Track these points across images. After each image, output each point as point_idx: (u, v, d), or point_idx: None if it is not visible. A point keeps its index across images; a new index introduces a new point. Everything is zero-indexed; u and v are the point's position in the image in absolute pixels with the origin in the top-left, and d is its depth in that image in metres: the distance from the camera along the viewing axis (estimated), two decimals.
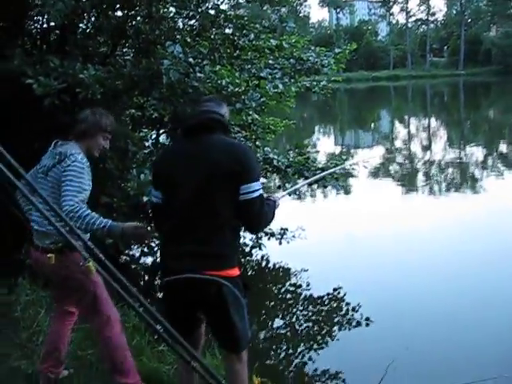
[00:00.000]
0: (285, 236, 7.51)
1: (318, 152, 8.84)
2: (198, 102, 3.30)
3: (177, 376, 3.63)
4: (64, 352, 3.86)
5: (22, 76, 4.67)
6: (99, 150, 3.68)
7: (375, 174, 15.61)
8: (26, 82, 4.54)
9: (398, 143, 23.45)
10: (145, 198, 4.81)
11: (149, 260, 7.31)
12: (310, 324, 6.42)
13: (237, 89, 5.31)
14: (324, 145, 21.65)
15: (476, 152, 18.92)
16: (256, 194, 2.87)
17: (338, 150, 20.83)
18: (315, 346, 5.74)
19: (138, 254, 7.27)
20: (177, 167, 2.96)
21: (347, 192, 12.48)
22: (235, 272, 2.97)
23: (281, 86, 5.85)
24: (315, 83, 7.15)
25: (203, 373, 2.34)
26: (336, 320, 6.48)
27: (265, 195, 3.07)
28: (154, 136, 7.38)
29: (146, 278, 7.40)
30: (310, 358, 5.47)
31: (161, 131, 7.42)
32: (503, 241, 8.48)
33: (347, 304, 6.76)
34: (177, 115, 4.37)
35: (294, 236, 7.41)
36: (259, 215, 2.95)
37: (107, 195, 5.25)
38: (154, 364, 4.27)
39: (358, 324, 6.24)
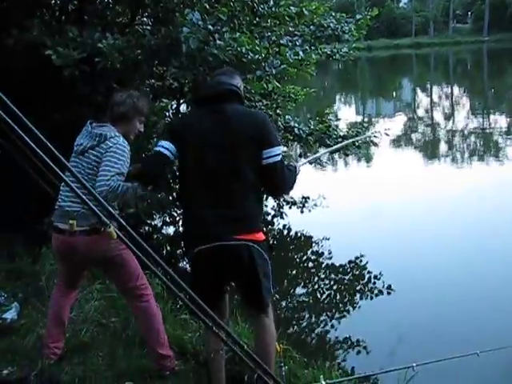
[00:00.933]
0: (306, 204, 7.48)
1: (339, 120, 8.72)
2: (212, 75, 3.41)
3: (205, 343, 3.68)
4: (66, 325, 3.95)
5: (41, 47, 4.65)
6: (135, 134, 3.66)
7: (397, 142, 15.47)
8: (45, 52, 4.52)
9: (420, 112, 23.14)
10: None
11: (170, 230, 7.35)
12: (332, 292, 6.45)
13: (257, 56, 5.23)
14: (345, 114, 21.43)
15: (500, 120, 18.58)
16: (278, 158, 3.01)
17: (359, 118, 20.63)
18: (337, 315, 5.77)
19: (159, 224, 7.32)
20: (200, 134, 3.05)
21: (369, 161, 12.42)
22: (262, 236, 3.10)
23: (301, 53, 5.75)
24: (336, 50, 7.04)
25: (226, 339, 2.35)
26: (358, 288, 6.50)
27: (285, 162, 3.19)
28: (174, 106, 7.35)
29: (168, 248, 7.46)
30: (332, 326, 5.51)
31: (181, 101, 7.39)
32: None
33: (369, 272, 6.77)
34: (198, 86, 4.29)
35: (315, 204, 7.39)
36: (282, 178, 3.08)
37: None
38: (177, 331, 4.32)
39: (380, 293, 6.26)
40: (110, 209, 2.38)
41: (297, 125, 6.72)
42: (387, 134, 6.98)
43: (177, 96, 7.27)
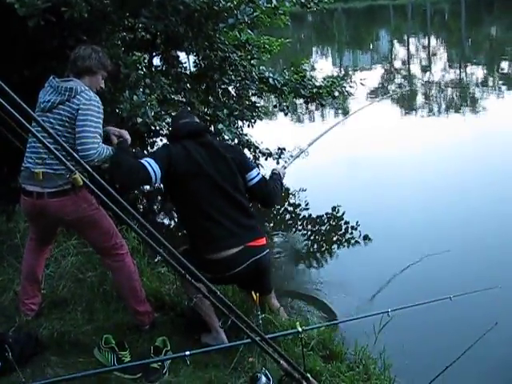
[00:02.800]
0: (282, 156, 7.42)
1: (315, 71, 8.62)
2: (177, 116, 4.00)
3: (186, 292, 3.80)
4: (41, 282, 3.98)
5: None
6: (96, 90, 3.61)
7: (374, 95, 15.40)
8: (6, 1, 4.34)
9: (397, 64, 23.00)
10: (139, 120, 4.72)
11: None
12: (309, 243, 6.49)
13: (228, 4, 5.12)
14: (322, 65, 21.20)
15: (476, 71, 18.55)
16: (258, 178, 3.69)
17: (335, 70, 20.47)
18: (314, 264, 5.82)
19: None
20: (201, 163, 3.49)
21: (346, 112, 12.35)
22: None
23: (274, 1, 5.65)
24: None
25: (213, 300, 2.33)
26: (335, 239, 6.55)
27: (270, 170, 4.02)
28: (146, 59, 7.20)
29: (144, 202, 7.41)
30: (309, 276, 5.57)
31: (153, 54, 7.23)
32: (503, 161, 8.43)
33: (346, 223, 6.80)
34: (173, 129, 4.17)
35: (291, 156, 7.33)
36: (268, 193, 3.78)
37: (104, 121, 5.16)
38: (155, 284, 4.32)
39: (357, 242, 6.31)
40: (81, 160, 2.33)
41: (271, 75, 6.62)
42: (363, 84, 6.94)
43: (149, 48, 7.11)
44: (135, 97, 4.76)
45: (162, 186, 3.73)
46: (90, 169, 2.35)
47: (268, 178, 3.99)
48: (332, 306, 4.73)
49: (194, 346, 3.63)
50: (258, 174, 3.71)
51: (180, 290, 4.18)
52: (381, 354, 3.57)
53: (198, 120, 3.89)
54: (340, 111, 12.89)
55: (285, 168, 4.29)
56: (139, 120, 4.71)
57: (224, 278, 3.65)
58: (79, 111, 3.34)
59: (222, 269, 3.54)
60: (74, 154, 2.34)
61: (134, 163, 3.46)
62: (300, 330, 2.93)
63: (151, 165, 3.41)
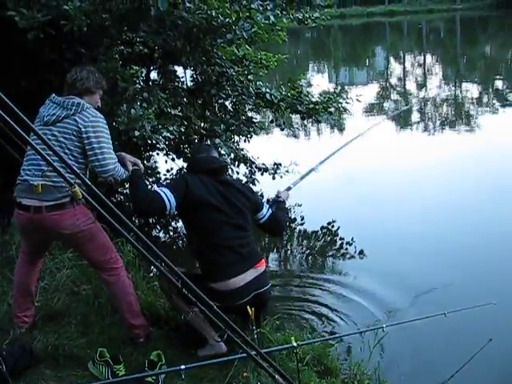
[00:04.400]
0: (278, 171, 7.42)
1: (311, 87, 8.65)
2: (200, 148, 4.15)
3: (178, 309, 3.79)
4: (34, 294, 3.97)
5: (1, 9, 4.50)
6: (95, 107, 3.69)
7: (370, 111, 15.49)
8: (6, 14, 4.38)
9: (393, 80, 23.16)
10: (136, 133, 4.73)
11: None
12: (304, 258, 6.49)
13: (227, 19, 5.16)
14: (318, 81, 21.34)
15: (471, 89, 18.69)
16: (268, 214, 3.97)
17: (332, 86, 20.55)
18: (309, 280, 5.78)
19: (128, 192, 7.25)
20: (219, 199, 3.67)
21: (342, 128, 12.41)
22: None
23: (272, 17, 5.69)
24: (308, 15, 6.94)
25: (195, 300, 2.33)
26: (330, 254, 6.54)
27: (273, 196, 4.34)
28: (144, 73, 7.23)
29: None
30: (304, 292, 5.53)
31: (151, 68, 7.27)
32: (497, 177, 8.46)
33: (341, 239, 6.81)
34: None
35: (287, 171, 7.33)
36: (277, 225, 4.08)
37: None
38: (150, 298, 4.32)
39: (352, 257, 6.31)
40: (78, 171, 2.35)
41: (268, 91, 6.65)
42: (359, 100, 6.98)
43: (146, 62, 7.15)
44: (133, 110, 4.78)
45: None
46: (88, 181, 2.38)
47: (274, 207, 4.15)
48: (328, 322, 4.72)
49: (189, 360, 3.65)
50: (268, 210, 3.98)
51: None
52: (375, 370, 3.56)
53: (216, 154, 4.01)
54: (336, 127, 12.95)
55: (290, 189, 4.50)
56: (137, 133, 4.73)
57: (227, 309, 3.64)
58: (88, 128, 3.45)
59: (227, 299, 3.56)
60: (71, 165, 2.37)
61: (149, 191, 3.72)
62: (295, 344, 2.94)
63: (166, 194, 3.56)
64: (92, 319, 4.07)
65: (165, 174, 7.46)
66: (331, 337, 3.57)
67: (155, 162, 7.67)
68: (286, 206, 4.36)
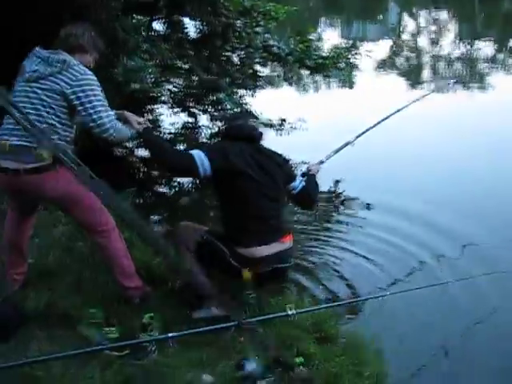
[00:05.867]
0: (283, 127, 7.18)
1: (321, 41, 8.31)
2: (239, 115, 4.38)
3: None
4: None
5: None
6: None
7: (381, 67, 15.13)
8: None
9: (406, 36, 22.57)
10: (136, 86, 4.54)
11: (145, 152, 7.09)
12: (309, 219, 6.29)
13: None
14: (330, 36, 20.82)
15: (487, 47, 18.16)
16: (300, 186, 3.90)
17: (343, 41, 20.05)
18: (312, 243, 5.61)
19: (133, 146, 7.06)
20: (256, 167, 3.60)
21: (351, 85, 12.10)
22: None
23: None
24: None
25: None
26: (335, 215, 6.38)
27: (304, 168, 4.21)
28: (147, 23, 6.96)
29: (143, 170, 7.21)
30: (307, 253, 5.38)
31: (154, 17, 7.00)
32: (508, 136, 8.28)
33: (351, 198, 6.62)
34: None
35: (293, 127, 7.10)
36: (309, 197, 4.05)
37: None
38: (146, 257, 4.20)
39: (360, 221, 6.14)
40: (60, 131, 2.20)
41: (276, 43, 6.39)
42: (369, 56, 6.73)
43: (151, 12, 6.88)
44: (132, 62, 4.56)
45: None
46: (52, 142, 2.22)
47: (305, 180, 4.05)
48: (331, 286, 4.59)
49: (184, 323, 3.58)
50: (301, 182, 3.92)
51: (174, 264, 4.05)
52: (373, 337, 3.45)
53: (253, 123, 3.88)
54: (347, 84, 12.65)
55: (322, 163, 4.40)
56: (137, 86, 4.52)
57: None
58: (75, 88, 3.23)
59: (245, 264, 3.58)
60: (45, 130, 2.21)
61: (177, 149, 4.11)
62: (290, 313, 2.83)
63: (200, 157, 3.51)
64: (86, 276, 3.96)
65: (167, 128, 7.20)
66: (330, 305, 3.44)
67: (159, 114, 7.43)
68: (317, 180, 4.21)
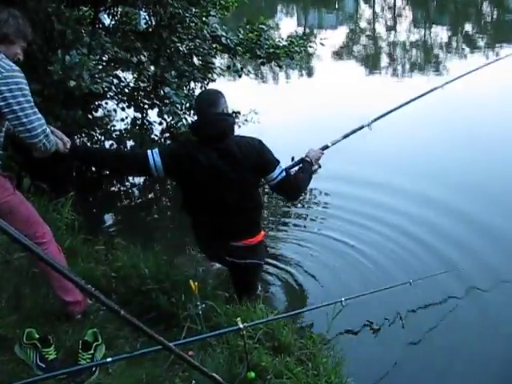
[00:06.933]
0: (237, 120, 6.93)
1: (272, 28, 8.06)
2: (202, 104, 3.44)
3: None
4: None
5: None
6: (13, 60, 3.08)
7: (338, 54, 15.02)
8: None
9: (363, 24, 22.53)
10: (72, 83, 4.23)
11: None
12: (265, 221, 6.03)
13: None
14: (287, 25, 20.67)
15: (441, 33, 18.25)
16: (280, 177, 3.46)
17: (300, 30, 19.88)
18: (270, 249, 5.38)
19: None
20: (208, 170, 3.33)
21: (307, 73, 11.94)
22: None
23: None
24: None
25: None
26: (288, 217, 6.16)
27: (303, 155, 3.76)
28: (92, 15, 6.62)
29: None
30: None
31: (100, 9, 6.67)
32: (464, 123, 8.22)
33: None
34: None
35: (246, 120, 6.87)
36: (291, 190, 3.63)
37: (37, 82, 4.65)
38: (90, 264, 3.94)
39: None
40: None
41: (224, 34, 6.12)
42: (322, 44, 6.53)
43: (96, 3, 6.53)
44: (67, 57, 4.25)
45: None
46: None
47: (298, 168, 3.77)
48: (287, 291, 4.37)
49: (129, 336, 3.34)
50: (281, 172, 3.47)
51: (119, 274, 3.80)
52: (333, 347, 3.26)
53: (221, 107, 3.35)
54: (304, 72, 12.47)
55: (326, 148, 3.93)
56: (72, 83, 4.22)
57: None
58: (3, 86, 2.87)
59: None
60: None
61: (137, 154, 3.77)
62: (241, 326, 2.62)
63: (154, 158, 3.36)
64: (25, 292, 3.67)
65: (114, 126, 6.87)
66: (284, 315, 3.18)
67: (107, 110, 7.10)
68: (315, 166, 3.80)
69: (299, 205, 6.08)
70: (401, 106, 4.39)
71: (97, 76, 4.48)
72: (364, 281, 4.35)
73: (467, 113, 8.69)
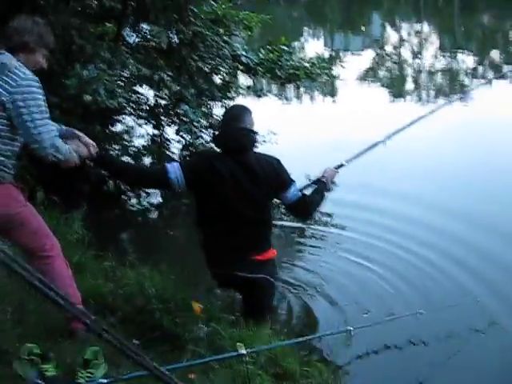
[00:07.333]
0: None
1: (292, 50, 8.03)
2: (229, 117, 3.62)
3: None
4: None
5: None
6: (35, 69, 3.09)
7: (363, 78, 14.96)
8: None
9: (388, 48, 22.47)
10: (87, 97, 4.22)
11: None
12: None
13: None
14: (313, 47, 20.69)
15: (467, 59, 18.10)
16: (295, 197, 3.50)
17: (326, 52, 19.91)
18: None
19: None
20: (229, 182, 3.38)
21: (333, 96, 11.89)
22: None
23: None
24: None
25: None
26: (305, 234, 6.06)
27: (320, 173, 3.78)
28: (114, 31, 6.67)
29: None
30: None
31: (123, 26, 6.72)
32: (490, 149, 8.07)
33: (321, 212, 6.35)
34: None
35: (264, 141, 6.82)
36: (303, 210, 3.66)
37: (54, 94, 4.67)
38: (98, 280, 3.89)
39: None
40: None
41: (244, 53, 6.10)
42: (343, 67, 6.49)
43: (119, 19, 6.60)
44: (85, 71, 4.24)
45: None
46: None
47: (313, 187, 3.78)
48: (294, 321, 4.26)
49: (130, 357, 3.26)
50: (296, 192, 3.53)
51: (126, 291, 3.74)
52: (339, 376, 3.15)
53: (246, 123, 3.47)
54: (328, 94, 12.43)
55: (340, 167, 3.95)
56: (88, 98, 4.20)
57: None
58: (15, 95, 2.88)
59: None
60: None
61: (157, 170, 3.77)
62: (244, 352, 2.53)
63: (176, 173, 3.40)
64: (29, 306, 3.62)
65: (132, 142, 6.84)
66: (287, 342, 3.10)
67: (127, 127, 7.11)
68: (330, 186, 3.81)
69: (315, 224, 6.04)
70: (415, 121, 4.58)
71: (114, 92, 4.47)
72: (380, 306, 4.24)
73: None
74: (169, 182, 3.40)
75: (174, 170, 3.39)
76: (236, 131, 3.42)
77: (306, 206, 3.62)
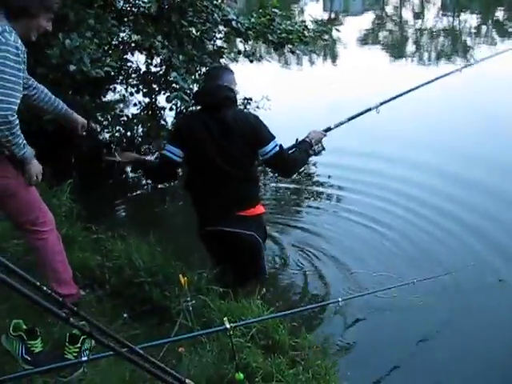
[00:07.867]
0: (248, 106, 6.76)
1: (290, 13, 7.80)
2: (210, 75, 3.74)
3: None
4: None
5: None
6: (40, 33, 2.97)
7: (363, 41, 14.73)
8: None
9: (389, 9, 22.06)
10: (72, 67, 4.10)
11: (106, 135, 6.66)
12: (273, 211, 5.87)
13: None
14: (312, 10, 20.32)
15: (470, 20, 17.75)
16: (272, 152, 3.50)
17: (325, 15, 19.57)
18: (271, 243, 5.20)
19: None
20: (206, 139, 3.45)
21: (333, 59, 11.72)
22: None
23: None
24: None
25: None
26: (305, 196, 6.01)
27: (307, 137, 3.77)
28: None
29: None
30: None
31: None
32: (491, 111, 8.00)
33: (318, 175, 6.36)
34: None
35: (258, 107, 6.70)
36: (283, 166, 3.69)
37: (41, 65, 4.54)
38: (86, 253, 3.84)
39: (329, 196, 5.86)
40: None
41: (235, 17, 5.93)
42: (338, 30, 6.33)
43: None
44: (68, 41, 4.10)
45: None
46: None
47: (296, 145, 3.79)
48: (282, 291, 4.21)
49: (120, 330, 3.23)
50: (274, 147, 3.51)
51: (115, 264, 3.69)
52: (328, 349, 3.11)
53: (227, 80, 3.54)
54: (329, 57, 12.25)
55: (328, 130, 3.93)
56: (72, 67, 4.08)
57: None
58: None
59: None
60: None
61: (159, 163, 3.76)
62: (228, 326, 2.48)
63: (170, 150, 3.55)
64: (17, 281, 3.57)
65: (123, 111, 6.71)
66: (278, 314, 3.00)
67: (120, 95, 6.97)
68: (315, 147, 3.78)
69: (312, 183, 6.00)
70: (411, 90, 4.45)
71: (100, 60, 4.34)
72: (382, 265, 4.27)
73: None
74: (176, 164, 3.58)
75: (170, 153, 3.53)
76: (213, 88, 3.52)
77: (286, 162, 3.64)
